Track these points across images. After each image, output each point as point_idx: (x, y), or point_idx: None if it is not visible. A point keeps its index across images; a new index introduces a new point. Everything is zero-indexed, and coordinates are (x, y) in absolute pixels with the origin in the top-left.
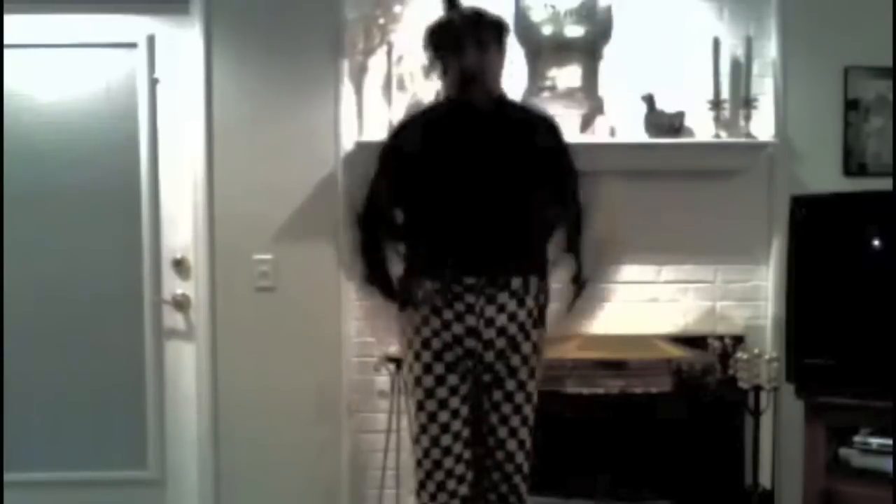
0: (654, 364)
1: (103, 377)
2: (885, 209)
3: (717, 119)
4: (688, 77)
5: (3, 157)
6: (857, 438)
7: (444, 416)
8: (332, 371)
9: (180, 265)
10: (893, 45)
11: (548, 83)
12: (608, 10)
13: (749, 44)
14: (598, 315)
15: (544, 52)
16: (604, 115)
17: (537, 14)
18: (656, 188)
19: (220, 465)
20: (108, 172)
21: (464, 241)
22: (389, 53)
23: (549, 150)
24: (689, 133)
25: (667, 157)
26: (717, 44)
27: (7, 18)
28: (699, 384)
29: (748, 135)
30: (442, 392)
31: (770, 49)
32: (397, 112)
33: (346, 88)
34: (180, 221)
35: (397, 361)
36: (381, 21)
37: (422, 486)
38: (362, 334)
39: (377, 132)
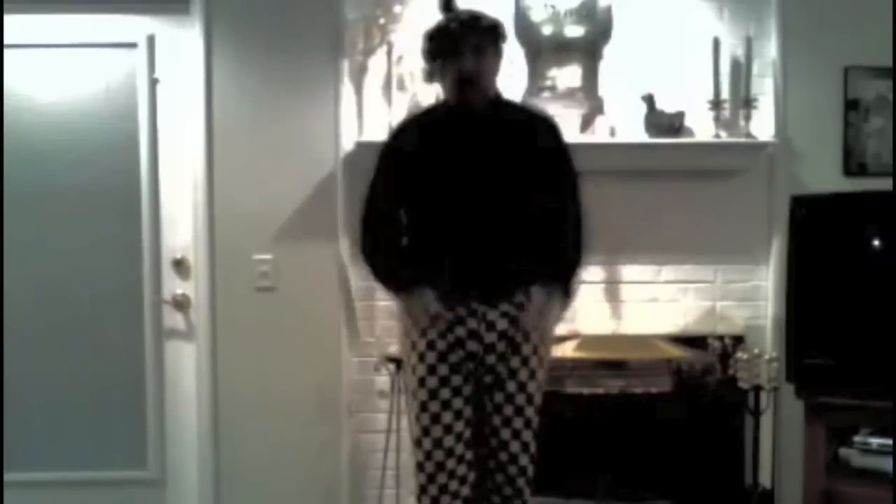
0: (654, 364)
1: (103, 377)
2: (885, 209)
3: (717, 119)
4: (688, 77)
5: (3, 157)
6: (857, 438)
7: (447, 418)
8: (332, 371)
9: (180, 265)
10: (893, 45)
11: (548, 83)
12: (608, 10)
13: (749, 44)
14: (597, 315)
15: (544, 52)
16: (604, 115)
17: (537, 14)
18: (656, 188)
19: (220, 465)
20: (108, 172)
21: (463, 260)
22: (389, 53)
23: (548, 150)
24: (689, 133)
25: (667, 157)
26: (717, 44)
27: (7, 18)
28: (699, 384)
29: (748, 135)
30: (445, 393)
31: (770, 49)
32: (397, 112)
33: (346, 88)
34: (180, 221)
35: (397, 361)
36: (381, 21)
37: (423, 490)
38: (362, 334)
39: (377, 132)
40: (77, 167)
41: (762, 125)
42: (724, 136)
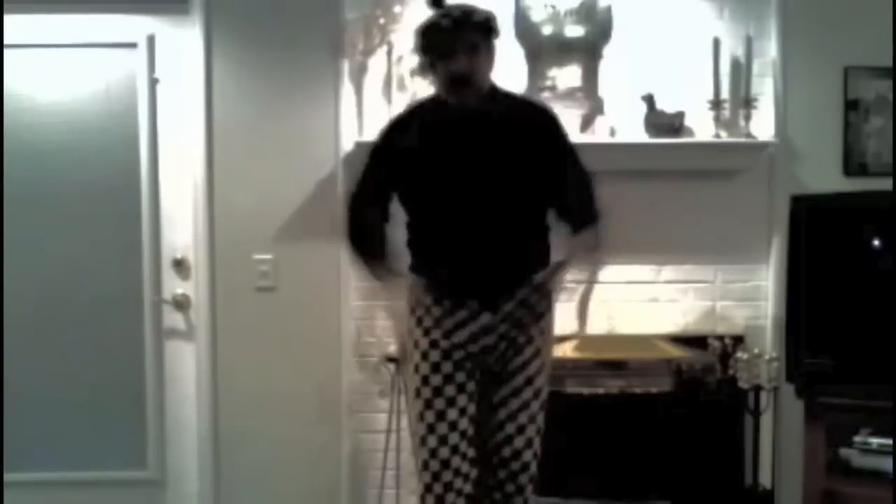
0: (654, 364)
1: (103, 377)
2: (886, 209)
3: (717, 119)
4: (688, 77)
5: (3, 157)
6: (857, 438)
7: (452, 415)
8: (332, 371)
9: (180, 265)
10: (893, 45)
11: (548, 83)
12: (608, 10)
13: (749, 44)
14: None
15: (544, 52)
16: (604, 115)
17: (537, 14)
18: (656, 188)
19: (220, 465)
20: (108, 172)
21: (464, 258)
22: (389, 53)
23: (542, 133)
24: (689, 133)
25: (667, 157)
26: (717, 44)
27: (7, 18)
28: (699, 384)
29: (748, 135)
30: (450, 390)
31: (770, 49)
32: (397, 112)
33: (346, 88)
34: (180, 221)
35: (397, 361)
36: (381, 21)
37: (428, 488)
38: (362, 334)
39: (377, 132)
40: (77, 167)
41: (762, 125)
42: (725, 136)
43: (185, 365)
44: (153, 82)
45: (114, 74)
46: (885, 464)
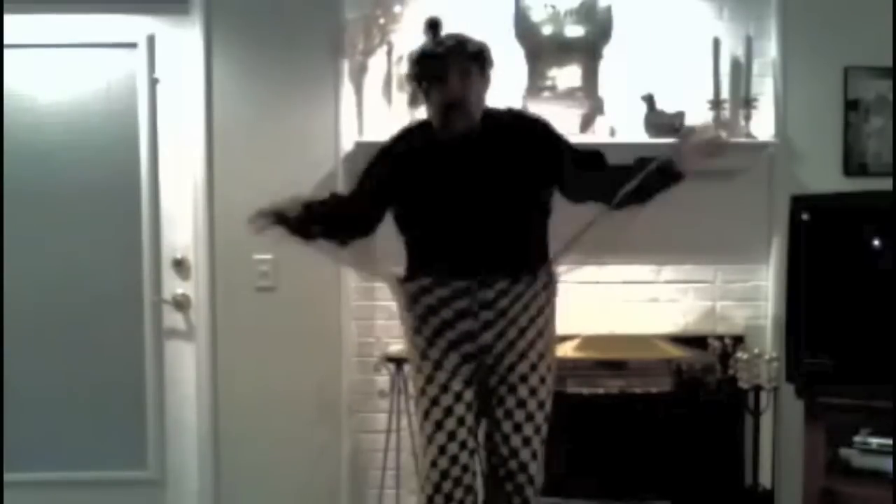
0: (654, 364)
1: (103, 377)
2: (885, 209)
3: (717, 119)
4: (688, 77)
5: (3, 157)
6: (857, 438)
7: (450, 424)
8: (332, 371)
9: (180, 265)
10: (893, 45)
11: (548, 83)
12: (608, 10)
13: (749, 44)
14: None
15: (544, 52)
16: (604, 115)
17: (537, 14)
18: None
19: (220, 465)
20: (108, 172)
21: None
22: (389, 53)
23: (535, 139)
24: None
25: None
26: (717, 44)
27: (7, 18)
28: (699, 384)
29: (748, 135)
30: (447, 399)
31: (770, 49)
32: (397, 112)
33: (346, 88)
34: (180, 221)
35: (397, 361)
36: (381, 21)
37: (429, 500)
38: (362, 334)
39: (377, 132)
40: (77, 167)
41: (762, 125)
42: (724, 137)
43: (185, 365)
44: (153, 82)
45: (114, 74)
46: (885, 464)
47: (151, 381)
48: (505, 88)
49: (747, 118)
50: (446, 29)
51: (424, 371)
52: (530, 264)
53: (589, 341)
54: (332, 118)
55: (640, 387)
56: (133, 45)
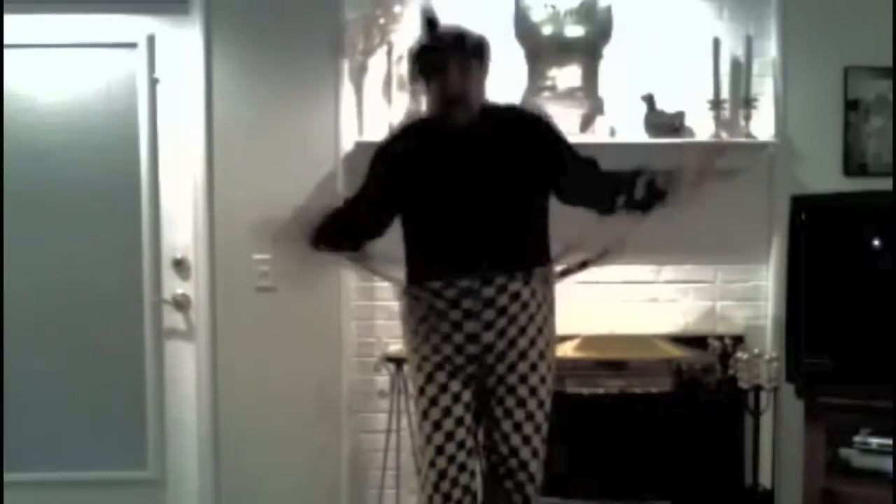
0: (654, 364)
1: (103, 377)
2: (885, 209)
3: (717, 119)
4: (688, 77)
5: (3, 157)
6: (857, 438)
7: (448, 424)
8: (332, 371)
9: (180, 265)
10: (893, 45)
11: (548, 83)
12: (608, 10)
13: (749, 44)
14: (598, 315)
15: (544, 52)
16: (604, 115)
17: (537, 14)
18: None
19: (220, 465)
20: (108, 172)
21: (455, 246)
22: (389, 53)
23: (538, 141)
24: (690, 133)
25: (667, 157)
26: (717, 44)
27: (7, 18)
28: (699, 384)
29: (748, 135)
30: (446, 400)
31: (770, 49)
32: (397, 112)
33: (346, 88)
34: (180, 221)
35: (397, 361)
36: (381, 21)
37: (430, 499)
38: (362, 334)
39: (377, 132)
40: (77, 167)
41: (762, 125)
42: (725, 136)
43: (185, 365)
44: (153, 82)
45: (114, 74)
46: (885, 464)
47: (151, 381)
48: (505, 88)
49: (747, 118)
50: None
51: (424, 370)
52: (529, 261)
53: (589, 341)
54: (332, 118)
55: (640, 387)
56: (133, 45)
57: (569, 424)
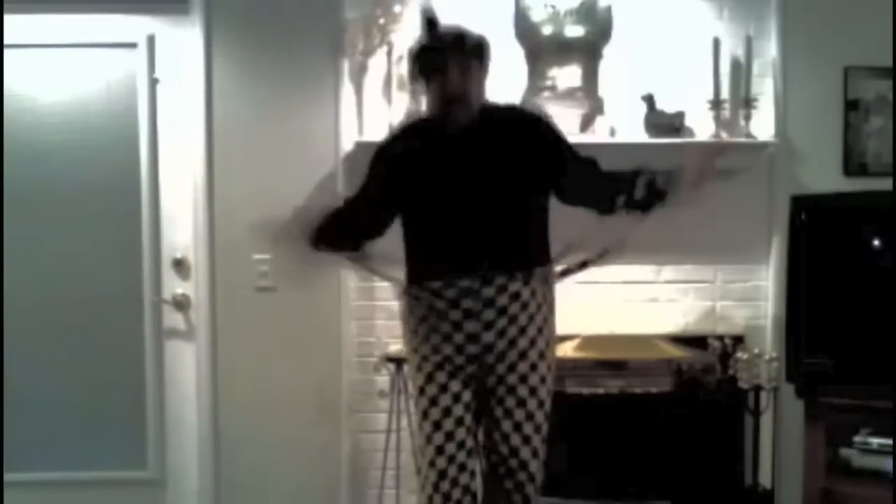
0: (654, 364)
1: (103, 377)
2: (885, 209)
3: (717, 119)
4: (688, 77)
5: (3, 157)
6: (857, 438)
7: (448, 424)
8: (332, 371)
9: (180, 265)
10: (893, 45)
11: (548, 83)
12: (608, 10)
13: (749, 44)
14: (598, 315)
15: (544, 52)
16: (604, 115)
17: (537, 14)
18: None
19: (221, 465)
20: (108, 172)
21: (455, 245)
22: (389, 53)
23: (538, 142)
24: (690, 133)
25: (667, 157)
26: (717, 44)
27: (7, 18)
28: (699, 384)
29: (748, 135)
30: (445, 399)
31: (770, 49)
32: (397, 112)
33: (346, 88)
34: (180, 221)
35: (397, 361)
36: (381, 21)
37: (430, 499)
38: (362, 334)
39: (377, 132)
40: (77, 167)
41: (762, 125)
42: (725, 136)
43: (185, 365)
44: (153, 82)
45: (114, 74)
46: (885, 464)
47: (151, 381)
48: (505, 88)
49: (747, 118)
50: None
51: (424, 370)
52: (529, 261)
53: (589, 341)
54: (332, 118)
55: (640, 387)
56: (133, 45)
57: (569, 424)
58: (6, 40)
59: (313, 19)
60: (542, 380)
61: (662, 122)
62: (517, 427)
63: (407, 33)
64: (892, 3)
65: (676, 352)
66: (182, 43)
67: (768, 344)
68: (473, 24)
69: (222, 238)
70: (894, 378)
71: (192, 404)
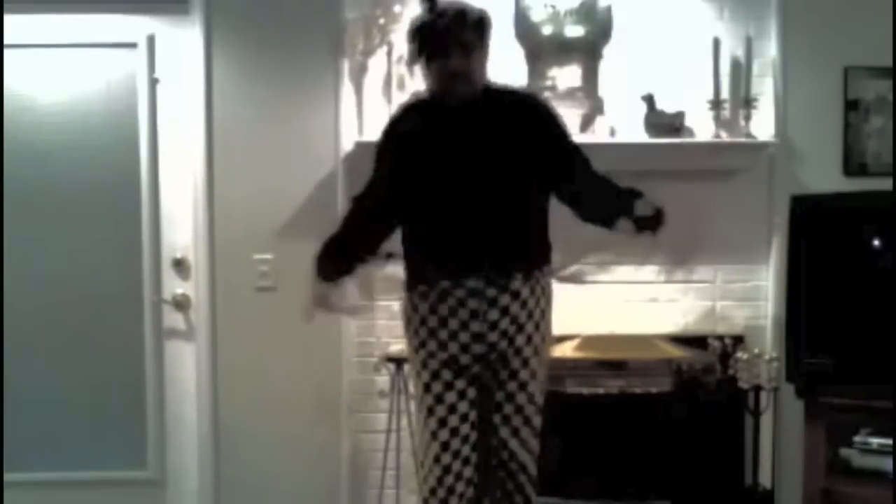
0: (654, 364)
1: (103, 377)
2: (885, 209)
3: (717, 119)
4: (688, 77)
5: (3, 157)
6: (857, 438)
7: (454, 421)
8: (332, 371)
9: (180, 265)
10: (893, 45)
11: (548, 83)
12: (608, 10)
13: (749, 44)
14: (598, 315)
15: (544, 52)
16: (604, 115)
17: (537, 14)
18: (656, 188)
19: (220, 465)
20: (108, 172)
21: (461, 243)
22: (389, 53)
23: (540, 130)
24: (690, 133)
25: (667, 157)
26: (717, 44)
27: (7, 18)
28: (699, 384)
29: (748, 135)
30: (451, 397)
31: (770, 49)
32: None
33: (346, 88)
34: (180, 221)
35: (397, 361)
36: (381, 21)
37: (432, 492)
38: (362, 334)
39: (377, 132)
40: (77, 167)
41: (762, 125)
42: (725, 136)
43: (185, 365)
44: (153, 82)
45: (114, 74)
46: (885, 464)
47: (151, 381)
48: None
49: (747, 118)
50: None
51: (430, 367)
52: (529, 260)
53: (589, 341)
54: (332, 118)
55: (640, 387)
56: (133, 45)
57: (569, 424)
58: (6, 40)
59: (313, 19)
60: (534, 375)
61: (662, 122)
62: (515, 432)
63: (406, 35)
64: (892, 3)
65: (676, 352)
66: (182, 43)
67: (768, 344)
68: None
69: (222, 238)
70: (894, 378)
71: (192, 404)
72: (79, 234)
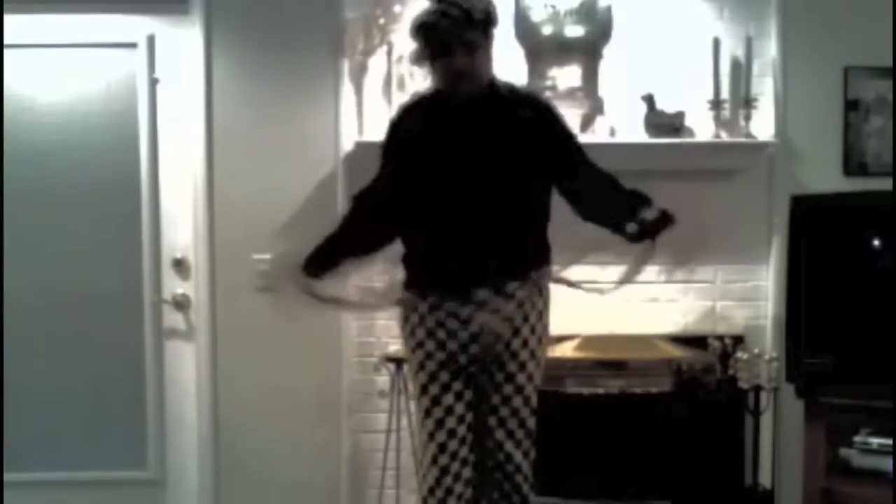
0: (654, 364)
1: (103, 377)
2: (885, 209)
3: (717, 119)
4: (688, 77)
5: (3, 157)
6: (857, 438)
7: (451, 422)
8: (332, 371)
9: (180, 265)
10: (893, 45)
11: (548, 83)
12: (608, 10)
13: (749, 44)
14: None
15: (544, 52)
16: (604, 115)
17: (537, 14)
18: (656, 188)
19: (220, 465)
20: (108, 172)
21: (464, 248)
22: (389, 53)
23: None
24: (690, 133)
25: (667, 157)
26: (717, 44)
27: (7, 18)
28: (699, 384)
29: (748, 135)
30: (448, 399)
31: (770, 49)
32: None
33: (346, 88)
34: (180, 221)
35: (397, 361)
36: (381, 21)
37: (431, 492)
38: (362, 334)
39: (377, 132)
40: (77, 167)
41: (762, 125)
42: (725, 136)
43: (185, 365)
44: (153, 82)
45: (114, 74)
46: (885, 464)
47: (151, 381)
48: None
49: (747, 118)
50: None
51: (427, 368)
52: (529, 262)
53: (589, 341)
54: (332, 118)
55: (640, 387)
56: (133, 45)
57: (569, 424)
58: (6, 40)
59: (313, 19)
60: (530, 378)
61: (662, 122)
62: (510, 434)
63: (407, 33)
64: (892, 3)
65: (676, 352)
66: (182, 43)
67: (768, 344)
68: None
69: (222, 238)
70: (894, 378)
71: (192, 404)
72: (79, 234)
